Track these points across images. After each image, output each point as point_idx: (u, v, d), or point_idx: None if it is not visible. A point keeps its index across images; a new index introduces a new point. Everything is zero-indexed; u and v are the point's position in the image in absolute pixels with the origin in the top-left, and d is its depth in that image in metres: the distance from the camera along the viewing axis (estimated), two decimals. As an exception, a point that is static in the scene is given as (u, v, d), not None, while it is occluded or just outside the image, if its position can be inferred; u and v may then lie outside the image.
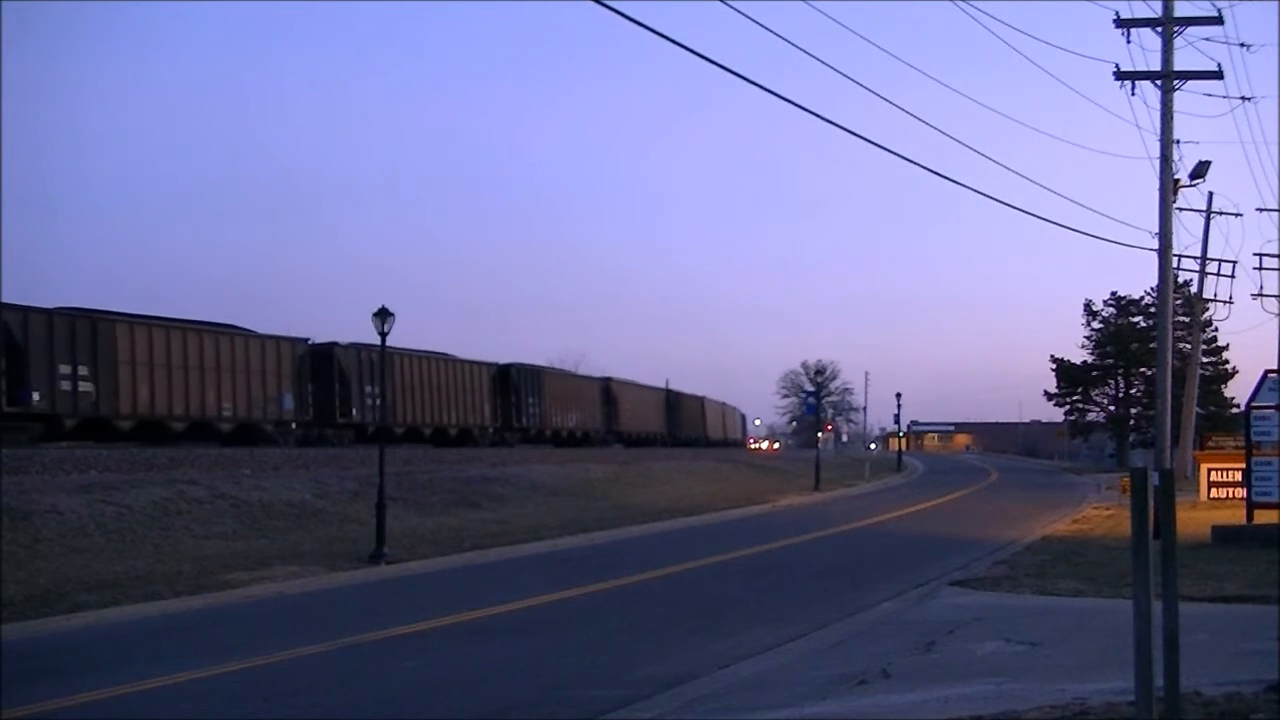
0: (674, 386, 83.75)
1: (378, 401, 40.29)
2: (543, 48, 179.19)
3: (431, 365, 48.23)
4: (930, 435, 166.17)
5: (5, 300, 31.86)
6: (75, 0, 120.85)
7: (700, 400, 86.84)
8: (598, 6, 12.03)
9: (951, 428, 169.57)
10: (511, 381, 54.81)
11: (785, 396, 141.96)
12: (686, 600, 19.76)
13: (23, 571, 20.79)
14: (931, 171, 23.50)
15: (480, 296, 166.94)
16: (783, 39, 16.82)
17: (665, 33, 13.32)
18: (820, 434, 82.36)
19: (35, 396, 31.53)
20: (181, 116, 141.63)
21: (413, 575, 23.61)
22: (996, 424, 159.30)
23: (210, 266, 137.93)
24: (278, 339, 40.80)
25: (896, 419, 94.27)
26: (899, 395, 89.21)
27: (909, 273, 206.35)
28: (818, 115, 17.37)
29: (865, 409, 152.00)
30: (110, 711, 11.91)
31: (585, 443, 62.36)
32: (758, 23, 15.67)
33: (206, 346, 37.42)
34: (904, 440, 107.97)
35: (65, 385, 32.50)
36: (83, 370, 32.94)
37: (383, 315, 26.38)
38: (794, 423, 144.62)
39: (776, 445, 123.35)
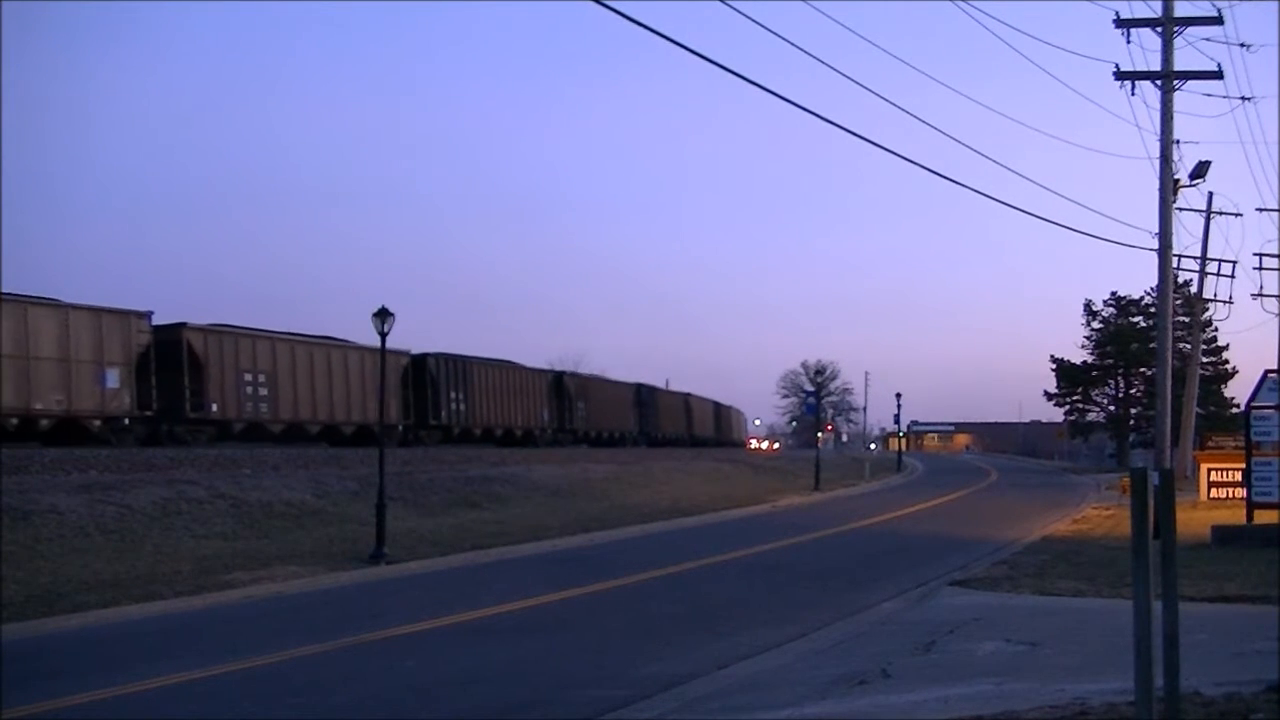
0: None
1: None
2: (546, 49, 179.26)
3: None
4: (930, 435, 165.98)
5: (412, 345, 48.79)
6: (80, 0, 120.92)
7: (730, 408, 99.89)
8: (601, 8, 12.03)
9: (951, 428, 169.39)
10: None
11: (785, 396, 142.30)
12: (686, 600, 19.75)
13: (23, 571, 20.77)
14: (932, 171, 23.51)
15: (480, 295, 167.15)
16: (784, 40, 16.83)
17: (667, 34, 13.33)
18: (820, 434, 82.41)
19: (442, 414, 49.31)
20: (186, 114, 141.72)
21: (413, 575, 23.60)
22: (996, 424, 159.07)
23: (210, 262, 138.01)
24: (539, 370, 60.89)
25: (896, 419, 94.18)
26: (899, 395, 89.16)
27: (909, 272, 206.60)
28: (818, 115, 17.39)
29: (865, 409, 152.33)
30: (110, 711, 11.91)
31: (620, 443, 68.36)
32: (760, 25, 15.68)
33: (510, 377, 55.44)
34: (904, 440, 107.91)
35: (454, 406, 50.13)
36: (461, 396, 50.52)
37: (382, 315, 26.34)
38: (794, 423, 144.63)
39: (776, 445, 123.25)
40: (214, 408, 38.08)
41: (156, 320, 36.52)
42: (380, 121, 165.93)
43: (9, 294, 32.24)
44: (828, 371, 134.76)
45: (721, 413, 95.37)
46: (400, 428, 46.86)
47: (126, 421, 35.33)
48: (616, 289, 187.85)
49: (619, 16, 12.19)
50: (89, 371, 33.68)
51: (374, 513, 25.30)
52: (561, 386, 61.49)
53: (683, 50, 13.75)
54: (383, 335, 26.63)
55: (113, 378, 34.36)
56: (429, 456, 43.88)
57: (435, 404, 49.12)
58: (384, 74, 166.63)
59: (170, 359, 36.64)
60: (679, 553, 26.84)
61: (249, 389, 39.35)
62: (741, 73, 15.06)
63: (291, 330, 43.20)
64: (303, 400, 41.47)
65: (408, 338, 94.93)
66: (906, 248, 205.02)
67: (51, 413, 32.99)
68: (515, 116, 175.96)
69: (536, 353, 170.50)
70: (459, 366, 50.80)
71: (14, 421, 32.03)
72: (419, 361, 48.67)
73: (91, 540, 23.98)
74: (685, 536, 32.17)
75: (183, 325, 37.74)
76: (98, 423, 34.35)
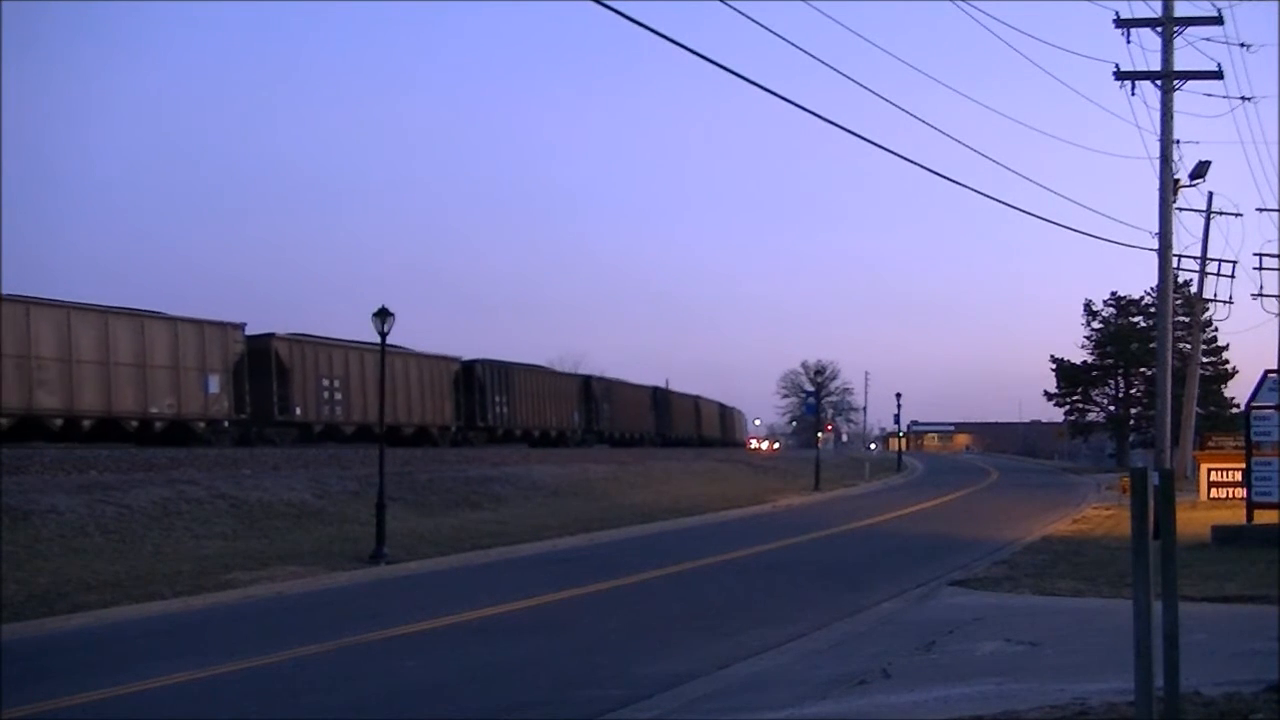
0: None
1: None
2: (546, 49, 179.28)
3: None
4: (930, 435, 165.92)
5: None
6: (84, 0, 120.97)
7: (733, 410, 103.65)
8: (601, 8, 12.03)
9: (951, 428, 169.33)
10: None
11: (785, 396, 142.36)
12: (686, 600, 19.75)
13: (23, 571, 20.76)
14: (932, 171, 23.52)
15: (479, 294, 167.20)
16: (784, 40, 16.82)
17: (667, 34, 13.32)
18: (820, 434, 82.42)
19: (489, 417, 53.55)
20: (186, 114, 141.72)
21: (413, 575, 23.60)
22: (996, 424, 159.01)
23: (210, 263, 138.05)
24: (570, 375, 65.93)
25: (896, 419, 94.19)
26: (899, 395, 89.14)
27: (909, 272, 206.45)
28: (818, 115, 17.38)
29: (865, 409, 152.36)
30: (110, 711, 11.91)
31: (638, 443, 71.26)
32: (761, 25, 15.67)
33: (545, 381, 59.57)
34: (904, 440, 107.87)
35: (497, 410, 54.21)
36: (505, 399, 54.65)
37: (382, 315, 26.34)
38: (794, 423, 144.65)
39: (776, 445, 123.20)
40: (298, 411, 41.44)
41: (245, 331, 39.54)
42: (379, 121, 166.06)
43: (128, 308, 35.35)
44: (828, 371, 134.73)
45: (725, 413, 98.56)
46: (452, 429, 51.08)
47: (226, 424, 38.28)
48: (617, 289, 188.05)
49: (619, 17, 12.19)
50: (194, 378, 36.76)
51: (374, 513, 25.30)
52: (589, 390, 65.23)
53: (683, 50, 13.74)
54: (383, 335, 26.65)
55: (214, 384, 37.30)
56: (429, 457, 43.95)
57: (483, 407, 53.29)
58: (382, 74, 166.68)
59: (260, 366, 39.99)
60: (679, 553, 26.85)
61: (326, 394, 42.78)
62: (741, 73, 15.06)
63: (359, 339, 45.46)
64: (371, 404, 43.86)
65: (409, 337, 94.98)
66: (907, 248, 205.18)
67: (165, 416, 35.92)
68: (515, 116, 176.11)
69: (535, 353, 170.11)
70: (502, 372, 55.01)
71: (134, 424, 35.00)
72: (468, 367, 52.80)
73: (91, 540, 23.98)
74: (685, 537, 32.18)
75: (271, 335, 40.96)
76: (202, 425, 37.49)
